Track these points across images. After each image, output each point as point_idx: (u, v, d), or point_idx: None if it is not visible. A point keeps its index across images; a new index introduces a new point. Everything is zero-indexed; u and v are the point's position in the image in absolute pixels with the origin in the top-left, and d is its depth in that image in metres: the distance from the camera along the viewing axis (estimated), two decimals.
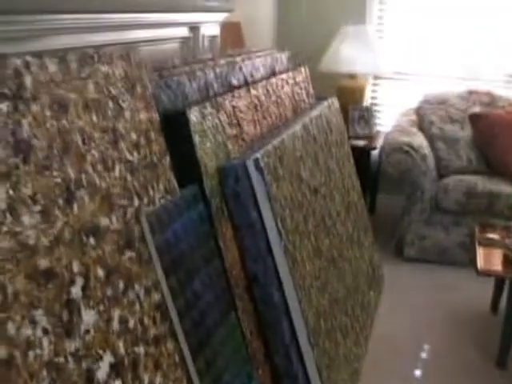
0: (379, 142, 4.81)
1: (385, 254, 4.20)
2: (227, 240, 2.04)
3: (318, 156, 2.86)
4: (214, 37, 3.35)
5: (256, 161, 2.06)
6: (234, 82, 2.61)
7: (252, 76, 2.83)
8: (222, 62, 2.72)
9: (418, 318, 3.54)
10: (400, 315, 3.50)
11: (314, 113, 3.02)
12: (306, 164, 2.65)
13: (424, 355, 3.29)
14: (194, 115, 1.98)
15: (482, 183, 4.30)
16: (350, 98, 4.98)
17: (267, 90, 2.76)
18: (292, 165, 2.46)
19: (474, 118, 4.61)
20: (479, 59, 5.23)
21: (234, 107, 2.32)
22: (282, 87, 3.01)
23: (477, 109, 4.76)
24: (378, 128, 5.27)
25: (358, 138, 4.85)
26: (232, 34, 3.92)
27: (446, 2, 5.16)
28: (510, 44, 5.11)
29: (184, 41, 3.09)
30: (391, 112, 5.36)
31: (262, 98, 2.67)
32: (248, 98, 2.50)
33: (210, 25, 3.28)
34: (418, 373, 3.18)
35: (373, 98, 5.49)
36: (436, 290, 3.91)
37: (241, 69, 2.71)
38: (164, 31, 2.84)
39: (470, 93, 4.95)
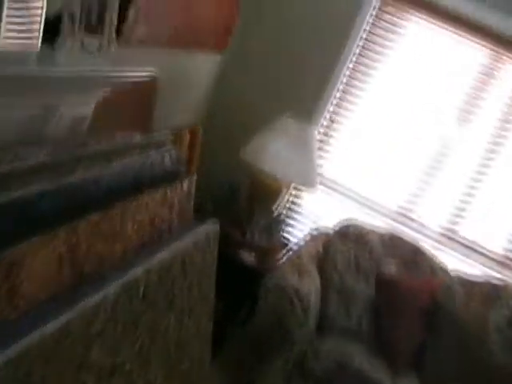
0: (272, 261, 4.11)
1: None
2: None
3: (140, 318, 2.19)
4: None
5: None
6: None
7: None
8: None
9: None
10: None
11: (164, 255, 2.34)
12: (105, 340, 1.97)
13: None
14: None
15: (359, 358, 3.66)
16: (261, 197, 4.35)
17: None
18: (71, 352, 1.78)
19: (382, 281, 3.93)
20: (420, 201, 4.63)
21: None
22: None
23: (392, 266, 4.08)
24: (285, 240, 4.61)
25: (251, 248, 4.17)
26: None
27: (400, 130, 4.56)
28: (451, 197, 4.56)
29: None
30: (306, 224, 4.73)
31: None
32: None
33: None
34: None
35: (292, 203, 4.80)
36: None
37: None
38: None
39: (395, 239, 4.27)
